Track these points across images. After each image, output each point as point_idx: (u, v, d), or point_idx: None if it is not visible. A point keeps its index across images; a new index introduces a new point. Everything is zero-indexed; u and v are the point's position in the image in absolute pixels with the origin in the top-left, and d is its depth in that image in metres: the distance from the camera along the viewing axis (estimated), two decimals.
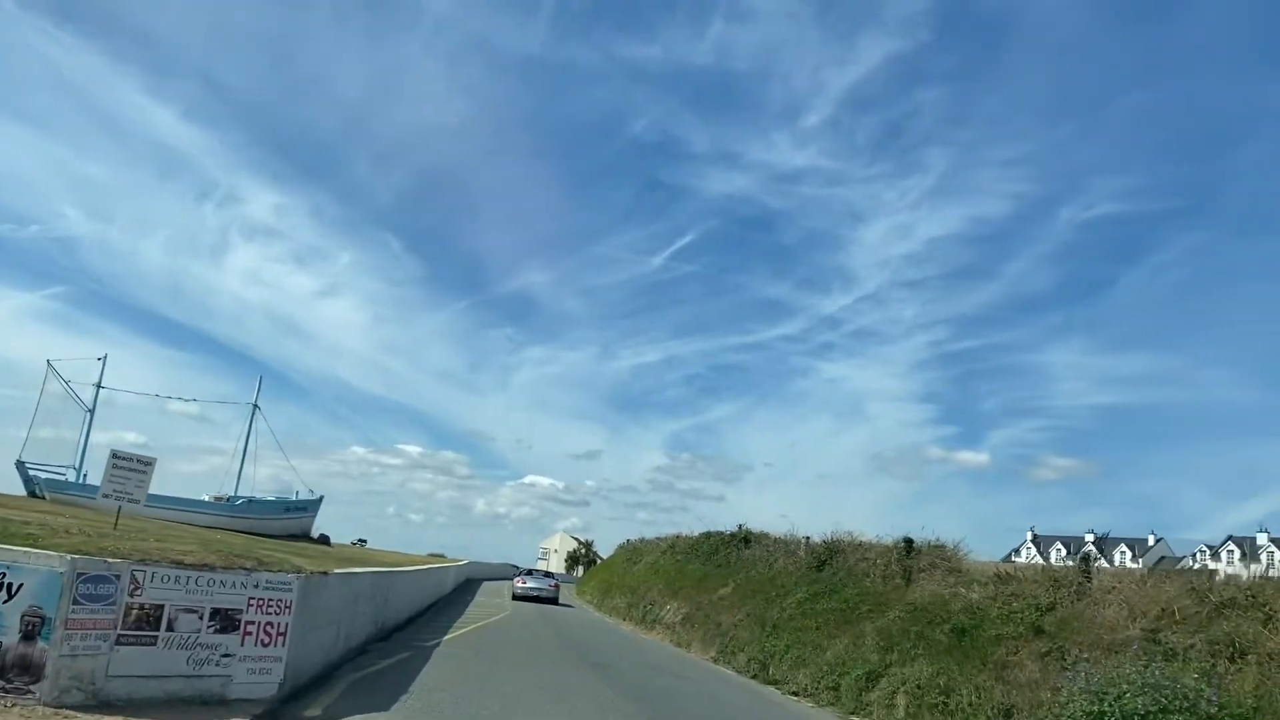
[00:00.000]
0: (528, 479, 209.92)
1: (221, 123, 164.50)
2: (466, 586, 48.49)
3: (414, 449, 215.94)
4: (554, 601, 40.71)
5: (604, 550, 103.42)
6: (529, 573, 48.00)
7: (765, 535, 29.49)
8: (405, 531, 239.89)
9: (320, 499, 63.07)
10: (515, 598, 40.06)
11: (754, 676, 19.23)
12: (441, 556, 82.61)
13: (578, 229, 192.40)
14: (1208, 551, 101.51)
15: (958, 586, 16.72)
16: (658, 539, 46.34)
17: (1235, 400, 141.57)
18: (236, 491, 54.91)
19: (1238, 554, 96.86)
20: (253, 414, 57.38)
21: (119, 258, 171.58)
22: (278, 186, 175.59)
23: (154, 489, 12.90)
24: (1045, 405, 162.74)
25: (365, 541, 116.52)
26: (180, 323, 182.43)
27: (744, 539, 30.27)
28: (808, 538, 24.97)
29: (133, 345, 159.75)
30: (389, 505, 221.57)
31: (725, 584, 27.40)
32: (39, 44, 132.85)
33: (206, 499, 53.03)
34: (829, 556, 22.55)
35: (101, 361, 58.57)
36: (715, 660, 22.10)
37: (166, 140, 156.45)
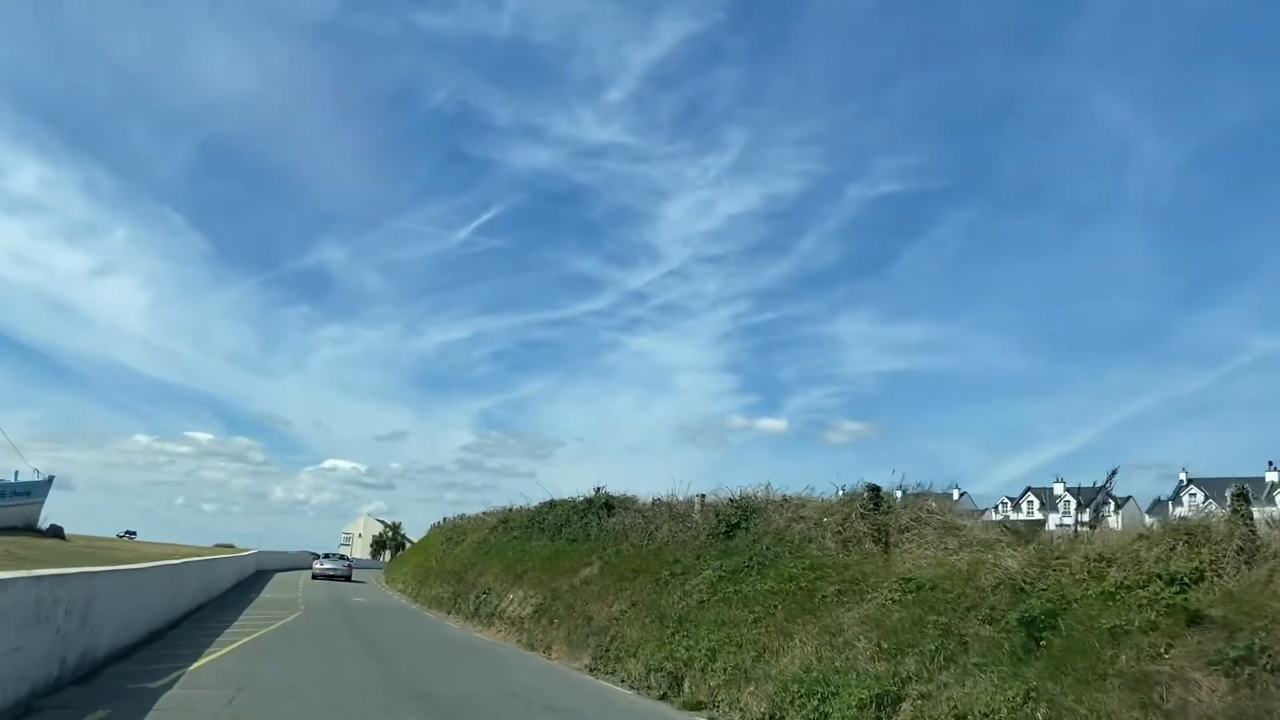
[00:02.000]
0: (328, 463, 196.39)
1: None
2: (253, 581, 42.19)
3: (204, 436, 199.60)
4: (348, 579, 47.72)
5: (414, 533, 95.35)
6: (325, 556, 53.53)
7: (632, 499, 23.68)
8: (197, 522, 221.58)
9: (50, 480, 51.41)
10: (314, 577, 47.26)
11: (663, 697, 13.13)
12: (230, 547, 74.07)
13: (376, 202, 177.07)
14: (1009, 503, 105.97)
15: (972, 552, 11.37)
16: (485, 514, 39.74)
17: (1002, 365, 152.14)
18: None
19: (1037, 504, 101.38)
20: None
21: None
22: (43, 158, 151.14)
23: None
24: (837, 373, 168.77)
25: (134, 534, 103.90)
26: None
27: (605, 504, 24.25)
28: (703, 496, 19.25)
29: None
30: (178, 496, 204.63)
31: (588, 563, 21.27)
32: None
33: None
34: (742, 519, 16.87)
35: None
36: (593, 670, 15.90)
37: None
